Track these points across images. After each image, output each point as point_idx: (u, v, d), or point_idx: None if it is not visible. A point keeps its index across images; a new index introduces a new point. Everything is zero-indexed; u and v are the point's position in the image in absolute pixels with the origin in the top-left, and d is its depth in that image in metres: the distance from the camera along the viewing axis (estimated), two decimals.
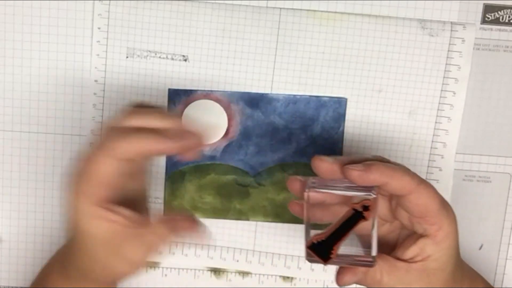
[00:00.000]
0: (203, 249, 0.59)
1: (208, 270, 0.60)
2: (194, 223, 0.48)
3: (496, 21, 0.55)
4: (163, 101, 0.56)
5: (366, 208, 0.43)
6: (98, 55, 0.55)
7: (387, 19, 0.55)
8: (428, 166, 0.57)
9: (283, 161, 0.57)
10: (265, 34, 0.55)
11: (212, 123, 0.56)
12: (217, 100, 0.56)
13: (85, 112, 0.56)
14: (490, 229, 0.58)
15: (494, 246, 0.58)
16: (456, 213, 0.47)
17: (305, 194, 0.45)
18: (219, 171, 0.57)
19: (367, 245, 0.45)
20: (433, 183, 0.51)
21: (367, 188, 0.44)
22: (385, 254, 0.46)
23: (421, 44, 0.55)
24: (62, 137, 0.57)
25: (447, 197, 0.56)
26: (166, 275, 0.60)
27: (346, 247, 0.45)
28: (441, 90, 0.56)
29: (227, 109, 0.56)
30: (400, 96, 0.56)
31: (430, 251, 0.46)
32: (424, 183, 0.44)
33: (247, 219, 0.58)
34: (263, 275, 0.59)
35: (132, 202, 0.47)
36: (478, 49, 0.56)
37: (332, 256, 0.44)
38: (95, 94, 0.56)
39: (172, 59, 0.56)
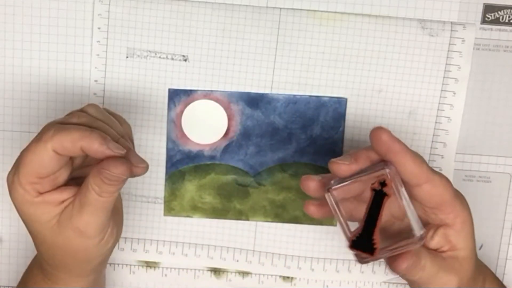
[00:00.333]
0: (203, 249, 0.59)
1: (208, 270, 0.60)
2: (117, 160, 0.44)
3: (496, 21, 0.55)
4: (163, 101, 0.56)
5: (384, 184, 0.43)
6: (98, 55, 0.55)
7: (387, 19, 0.55)
8: None
9: (283, 161, 0.57)
10: (265, 34, 0.55)
11: (212, 123, 0.56)
12: (217, 100, 0.56)
13: None
14: (490, 229, 0.58)
15: (494, 246, 0.58)
16: None
17: (326, 196, 0.45)
18: (219, 171, 0.57)
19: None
20: None
21: (381, 166, 0.44)
22: (401, 233, 0.46)
23: (421, 44, 0.55)
24: None
25: None
26: (166, 275, 0.60)
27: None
28: (441, 90, 0.56)
29: (227, 109, 0.56)
30: (400, 96, 0.56)
31: (455, 240, 0.46)
32: (437, 174, 0.45)
33: (247, 219, 0.58)
34: (263, 275, 0.59)
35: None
36: (478, 49, 0.56)
37: (375, 246, 0.44)
38: (95, 94, 0.56)
39: (172, 59, 0.56)
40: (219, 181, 0.57)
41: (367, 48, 0.55)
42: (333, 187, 0.45)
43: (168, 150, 0.57)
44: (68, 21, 0.55)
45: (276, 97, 0.56)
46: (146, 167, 0.46)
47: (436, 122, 0.56)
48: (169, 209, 0.58)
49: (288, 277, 0.60)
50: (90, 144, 0.43)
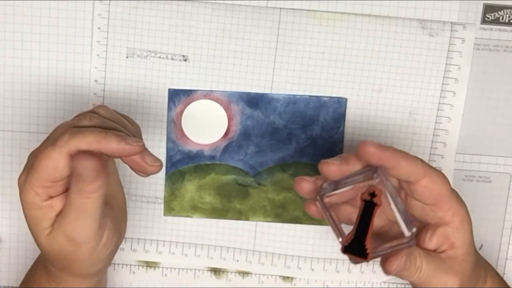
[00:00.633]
0: (203, 249, 0.59)
1: (208, 270, 0.60)
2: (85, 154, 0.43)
3: (496, 21, 0.55)
4: (163, 101, 0.56)
5: (374, 194, 0.43)
6: (98, 55, 0.55)
7: (387, 19, 0.55)
8: None
9: (283, 161, 0.57)
10: (265, 34, 0.55)
11: (212, 123, 0.56)
12: (217, 100, 0.56)
13: None
14: (490, 229, 0.58)
15: (494, 246, 0.58)
16: None
17: (318, 204, 0.46)
18: (219, 171, 0.57)
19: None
20: None
21: (372, 171, 0.44)
22: (395, 234, 0.46)
23: (421, 44, 0.55)
24: None
25: None
26: (166, 275, 0.60)
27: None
28: (441, 90, 0.56)
29: (227, 109, 0.56)
30: (400, 96, 0.56)
31: (453, 238, 0.47)
32: (434, 169, 0.45)
33: (247, 219, 0.58)
34: (263, 275, 0.59)
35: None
36: (478, 49, 0.56)
37: (368, 251, 0.44)
38: (95, 94, 0.56)
39: (172, 59, 0.56)
40: (219, 181, 0.57)
41: (367, 48, 0.55)
42: (325, 195, 0.45)
43: (168, 150, 0.57)
44: (68, 21, 0.55)
45: (276, 97, 0.56)
46: (160, 166, 0.46)
47: (436, 122, 0.56)
48: (169, 209, 0.58)
49: (288, 277, 0.60)
50: (108, 144, 0.43)
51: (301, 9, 0.55)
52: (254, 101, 0.56)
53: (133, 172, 0.47)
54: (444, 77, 0.56)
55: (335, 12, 0.55)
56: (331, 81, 0.56)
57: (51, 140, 0.44)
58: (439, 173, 0.45)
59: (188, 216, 0.58)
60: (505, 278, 0.59)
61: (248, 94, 0.56)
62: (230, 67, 0.56)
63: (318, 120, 0.57)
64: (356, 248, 0.44)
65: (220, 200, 0.58)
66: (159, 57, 0.55)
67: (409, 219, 0.45)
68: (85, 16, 0.55)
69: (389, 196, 0.44)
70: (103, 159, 0.44)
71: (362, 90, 0.56)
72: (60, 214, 0.45)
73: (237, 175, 0.57)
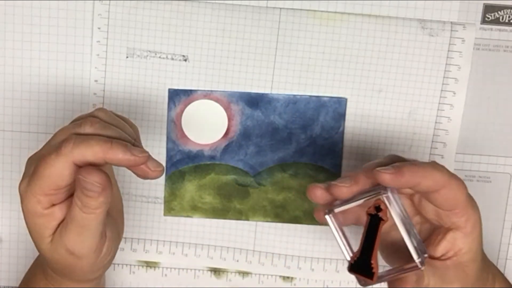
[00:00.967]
0: (203, 249, 0.59)
1: (208, 270, 0.60)
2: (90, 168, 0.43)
3: (496, 21, 0.55)
4: (163, 101, 0.56)
5: (379, 209, 0.43)
6: (98, 55, 0.55)
7: (387, 19, 0.55)
8: None
9: (283, 161, 0.57)
10: (265, 34, 0.55)
11: (212, 123, 0.56)
12: (217, 100, 0.56)
13: (85, 112, 0.56)
14: (490, 229, 0.58)
15: (494, 246, 0.58)
16: None
17: (328, 219, 0.45)
18: (219, 171, 0.57)
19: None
20: None
21: (381, 188, 0.44)
22: (408, 254, 0.46)
23: (421, 44, 0.55)
24: None
25: None
26: (166, 275, 0.60)
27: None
28: (441, 90, 0.56)
29: (227, 109, 0.56)
30: (400, 96, 0.56)
31: (461, 244, 0.46)
32: (452, 177, 0.44)
33: (247, 219, 0.58)
34: (263, 275, 0.59)
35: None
36: (478, 49, 0.56)
37: (374, 270, 0.44)
38: (95, 94, 0.56)
39: (172, 59, 0.56)
40: (219, 181, 0.57)
41: (367, 48, 0.55)
42: (334, 210, 0.45)
43: (168, 150, 0.57)
44: (68, 21, 0.55)
45: (276, 97, 0.56)
46: (162, 170, 0.45)
47: (436, 122, 0.56)
48: (169, 209, 0.58)
49: (288, 277, 0.60)
50: (114, 155, 0.42)
51: (301, 9, 0.55)
52: (254, 101, 0.56)
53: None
54: (444, 77, 0.56)
55: (335, 12, 0.55)
56: (331, 81, 0.56)
57: (53, 147, 0.43)
58: (457, 180, 0.45)
59: (188, 216, 0.58)
60: None
61: (248, 94, 0.56)
62: (230, 67, 0.56)
63: (318, 120, 0.56)
64: (362, 267, 0.44)
65: (220, 200, 0.58)
66: (159, 57, 0.55)
67: (420, 241, 0.44)
68: (85, 16, 0.55)
69: (394, 214, 0.43)
70: (107, 172, 0.44)
71: (362, 90, 0.56)
72: (61, 225, 0.44)
73: (237, 175, 0.57)
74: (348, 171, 0.52)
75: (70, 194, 0.44)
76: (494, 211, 0.58)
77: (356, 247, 0.45)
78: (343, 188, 0.44)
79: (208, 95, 0.56)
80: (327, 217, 0.45)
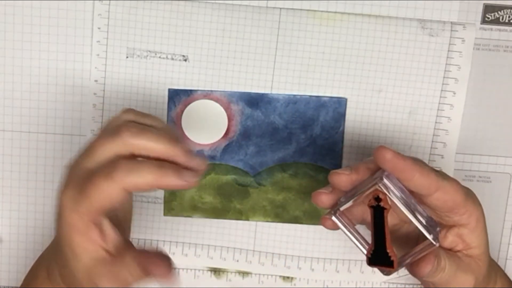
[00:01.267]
0: (203, 249, 0.59)
1: (208, 270, 0.60)
2: (165, 265, 0.44)
3: (496, 21, 0.55)
4: (163, 101, 0.56)
5: (379, 199, 0.43)
6: (98, 55, 0.55)
7: (387, 19, 0.55)
8: None
9: (283, 161, 0.57)
10: (265, 34, 0.55)
11: (212, 123, 0.56)
12: (217, 100, 0.56)
13: (85, 112, 0.56)
14: (490, 229, 0.58)
15: (494, 246, 0.58)
16: None
17: (335, 220, 0.46)
18: (219, 171, 0.57)
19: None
20: None
21: (378, 177, 0.44)
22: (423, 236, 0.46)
23: (421, 44, 0.55)
24: (62, 137, 0.57)
25: None
26: None
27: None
28: (441, 90, 0.56)
29: (227, 109, 0.56)
30: (400, 96, 0.56)
31: (469, 240, 0.46)
32: (447, 179, 0.45)
33: (247, 219, 0.58)
34: (263, 275, 0.59)
35: (118, 226, 0.46)
36: (478, 49, 0.56)
37: (392, 258, 0.44)
38: (95, 94, 0.56)
39: (172, 59, 0.56)
40: (219, 181, 0.57)
41: (367, 48, 0.55)
42: (339, 210, 0.45)
43: None
44: (68, 21, 0.55)
45: (276, 97, 0.56)
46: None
47: (436, 122, 0.56)
48: (169, 209, 0.58)
49: (288, 277, 0.60)
50: (167, 183, 0.42)
51: (301, 9, 0.55)
52: (254, 101, 0.56)
53: None
54: (444, 77, 0.56)
55: (335, 12, 0.55)
56: (331, 81, 0.56)
57: (102, 167, 0.42)
58: (452, 182, 0.45)
59: (188, 216, 0.58)
60: None
61: (248, 94, 0.56)
62: (230, 67, 0.56)
63: (318, 120, 0.57)
64: (380, 258, 0.44)
65: (220, 200, 0.58)
66: (159, 57, 0.55)
67: (428, 218, 0.45)
68: (85, 16, 0.55)
69: (395, 198, 0.44)
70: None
71: (362, 90, 0.56)
72: (94, 265, 0.43)
73: (237, 175, 0.57)
74: None
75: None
76: (494, 211, 0.58)
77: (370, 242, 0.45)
78: (343, 176, 0.45)
79: (208, 95, 0.56)
80: (334, 218, 0.46)
